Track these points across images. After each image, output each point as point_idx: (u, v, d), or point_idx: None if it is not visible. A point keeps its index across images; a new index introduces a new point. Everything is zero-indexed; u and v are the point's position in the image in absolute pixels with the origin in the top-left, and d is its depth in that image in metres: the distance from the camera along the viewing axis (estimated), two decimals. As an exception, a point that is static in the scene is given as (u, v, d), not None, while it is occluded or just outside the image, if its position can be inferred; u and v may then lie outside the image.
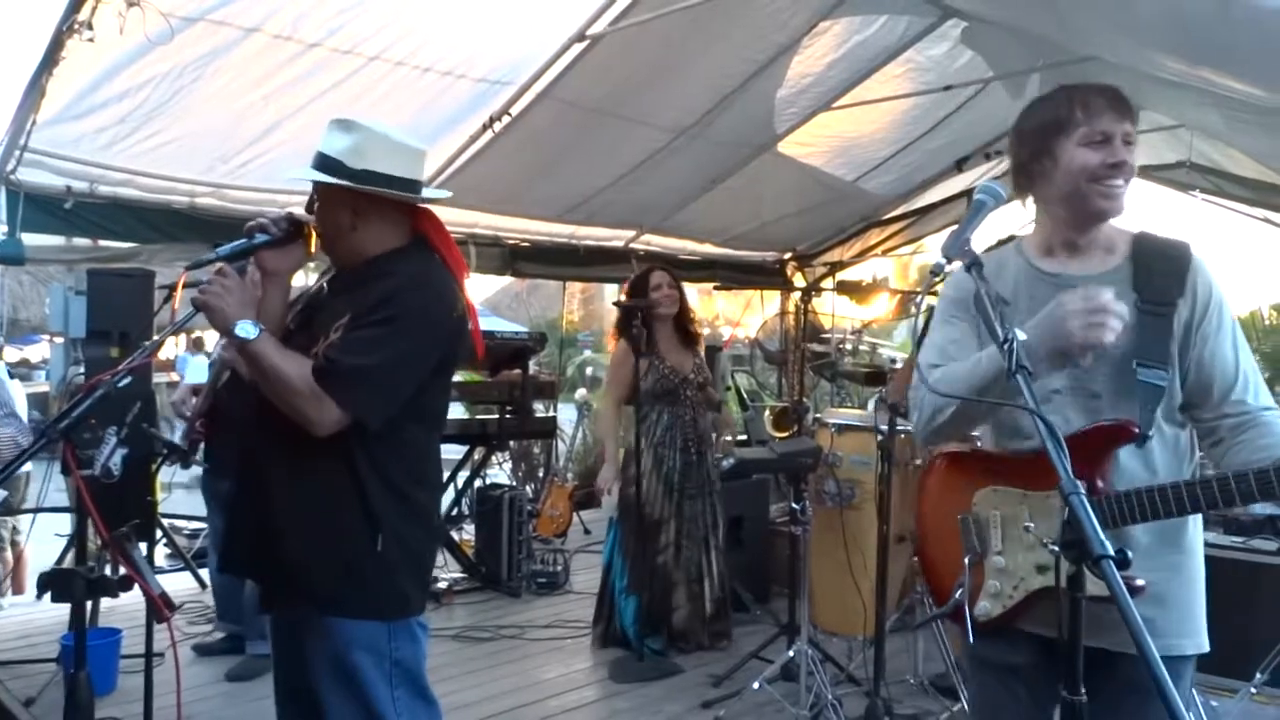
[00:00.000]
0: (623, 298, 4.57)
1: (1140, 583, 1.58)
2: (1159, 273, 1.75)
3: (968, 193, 1.89)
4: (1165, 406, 1.74)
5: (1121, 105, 1.78)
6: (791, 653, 3.75)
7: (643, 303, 4.32)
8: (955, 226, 1.64)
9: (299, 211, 2.08)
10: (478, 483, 6.12)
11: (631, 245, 6.48)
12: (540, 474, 7.71)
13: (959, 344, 1.87)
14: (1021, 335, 1.45)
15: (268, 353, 1.84)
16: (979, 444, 2.02)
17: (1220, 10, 2.01)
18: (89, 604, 1.90)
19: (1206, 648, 1.78)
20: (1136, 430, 1.67)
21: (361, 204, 1.97)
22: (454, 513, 6.14)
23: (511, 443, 6.98)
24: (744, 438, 5.46)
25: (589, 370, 13.27)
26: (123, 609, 4.19)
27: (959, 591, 1.85)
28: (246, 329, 1.82)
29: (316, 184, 1.99)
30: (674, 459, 4.35)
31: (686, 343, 4.52)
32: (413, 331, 1.91)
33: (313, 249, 2.05)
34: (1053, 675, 1.88)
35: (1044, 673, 1.89)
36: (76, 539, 3.52)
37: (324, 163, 1.96)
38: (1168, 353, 1.72)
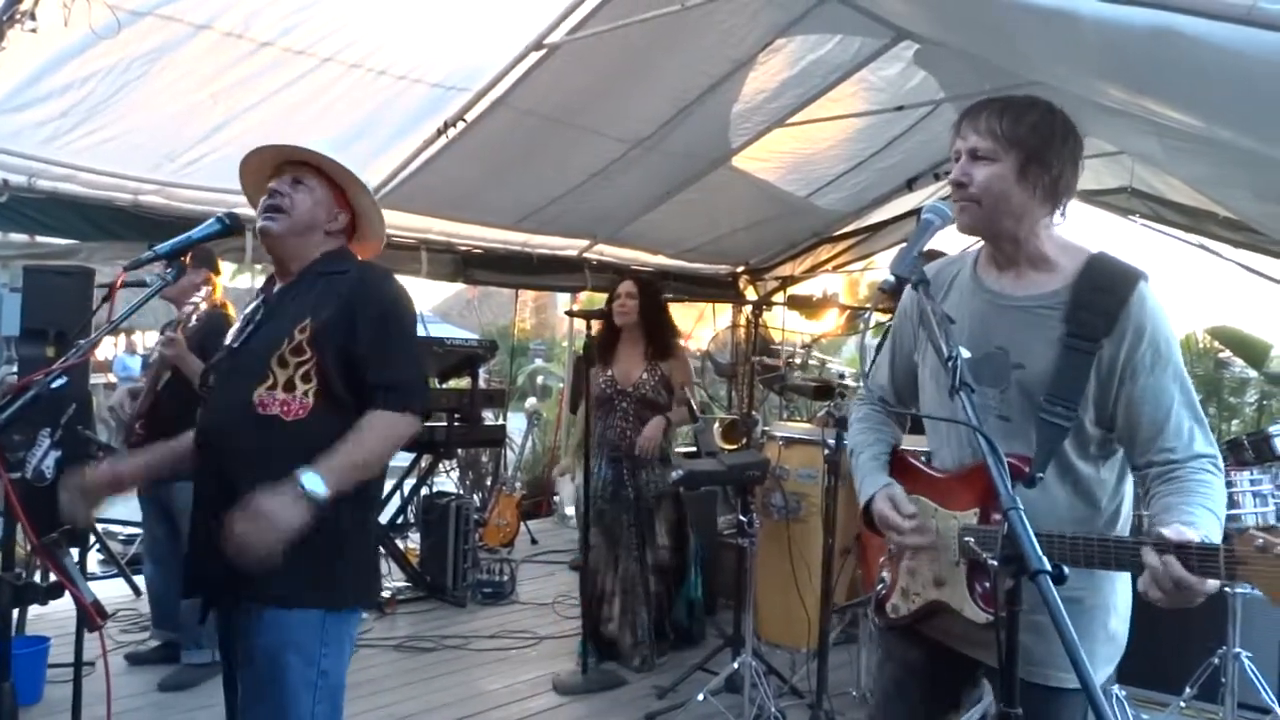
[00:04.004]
0: (576, 307, 4.56)
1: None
2: (1092, 307, 1.66)
3: (917, 211, 1.90)
4: (1075, 443, 1.69)
5: (974, 118, 1.71)
6: (736, 665, 3.76)
7: (590, 312, 4.32)
8: (904, 244, 1.67)
9: (239, 211, 2.22)
10: (424, 490, 6.05)
11: (585, 255, 6.47)
12: (488, 483, 7.64)
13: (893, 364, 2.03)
14: (966, 353, 1.48)
15: (352, 464, 1.89)
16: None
17: (1155, 42, 2.07)
18: (14, 611, 1.84)
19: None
20: (1026, 471, 1.63)
21: (344, 216, 2.17)
22: (399, 520, 6.06)
23: (459, 451, 6.92)
24: (693, 449, 5.45)
25: (540, 379, 13.18)
26: (50, 616, 4.05)
27: (880, 585, 1.94)
28: (316, 484, 1.80)
29: (327, 174, 2.14)
30: (600, 468, 4.35)
31: (654, 354, 4.38)
32: (409, 320, 2.12)
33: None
34: (948, 679, 1.93)
35: (940, 675, 1.92)
36: (3, 544, 3.40)
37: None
38: (1081, 392, 1.66)
